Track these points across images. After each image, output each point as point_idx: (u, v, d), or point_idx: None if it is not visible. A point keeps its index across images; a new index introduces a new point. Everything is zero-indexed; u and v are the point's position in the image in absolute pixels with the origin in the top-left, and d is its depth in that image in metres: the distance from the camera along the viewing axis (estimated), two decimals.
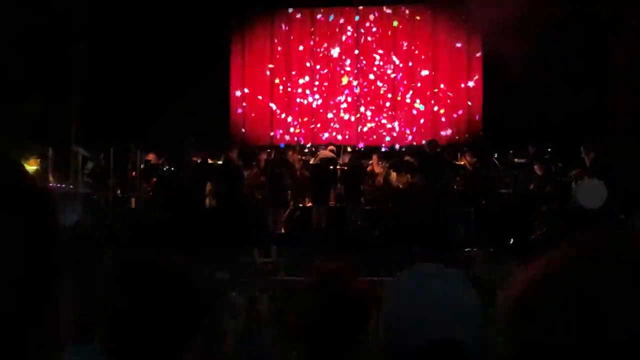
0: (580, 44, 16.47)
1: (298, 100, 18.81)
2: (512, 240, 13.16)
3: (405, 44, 18.62)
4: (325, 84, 18.76)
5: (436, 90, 18.53)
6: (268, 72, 18.94)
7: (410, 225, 14.02)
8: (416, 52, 18.60)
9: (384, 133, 18.52)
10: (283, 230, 14.45)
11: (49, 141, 14.95)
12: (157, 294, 1.77)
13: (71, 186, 14.18)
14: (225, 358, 4.63)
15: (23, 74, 15.44)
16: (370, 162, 15.55)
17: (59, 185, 14.29)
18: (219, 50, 18.45)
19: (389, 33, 18.66)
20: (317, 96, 18.77)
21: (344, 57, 18.70)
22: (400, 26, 18.60)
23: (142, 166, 15.08)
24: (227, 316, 4.94)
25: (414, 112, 18.57)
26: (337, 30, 18.70)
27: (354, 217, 14.45)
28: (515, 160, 15.13)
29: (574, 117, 15.92)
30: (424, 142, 15.69)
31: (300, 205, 15.27)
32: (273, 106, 18.79)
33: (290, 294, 4.51)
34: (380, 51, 18.69)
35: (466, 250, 12.53)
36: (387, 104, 18.58)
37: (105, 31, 16.81)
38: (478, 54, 18.38)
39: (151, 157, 15.12)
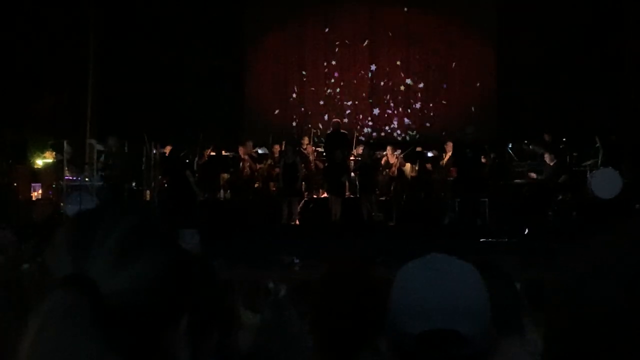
0: (592, 33, 16.42)
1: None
2: (526, 231, 13.12)
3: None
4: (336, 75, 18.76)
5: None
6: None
7: (426, 214, 14.05)
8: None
9: (397, 130, 18.49)
10: (297, 222, 14.44)
11: (64, 135, 15.02)
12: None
13: (86, 179, 14.24)
14: (241, 351, 4.65)
15: (38, 68, 15.52)
16: (384, 153, 15.54)
17: (73, 177, 14.36)
18: (234, 43, 18.44)
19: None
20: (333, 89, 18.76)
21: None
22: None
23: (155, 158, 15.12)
24: (244, 308, 4.97)
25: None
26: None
27: (368, 208, 14.44)
28: (530, 147, 14.97)
29: (588, 107, 15.87)
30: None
31: (315, 196, 15.27)
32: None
33: (305, 286, 4.52)
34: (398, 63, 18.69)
35: (481, 240, 12.52)
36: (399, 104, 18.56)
37: (120, 26, 16.88)
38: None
39: (168, 150, 15.16)
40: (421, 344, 1.46)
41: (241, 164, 15.30)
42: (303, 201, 14.82)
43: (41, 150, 15.11)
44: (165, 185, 14.90)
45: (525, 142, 15.00)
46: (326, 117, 18.23)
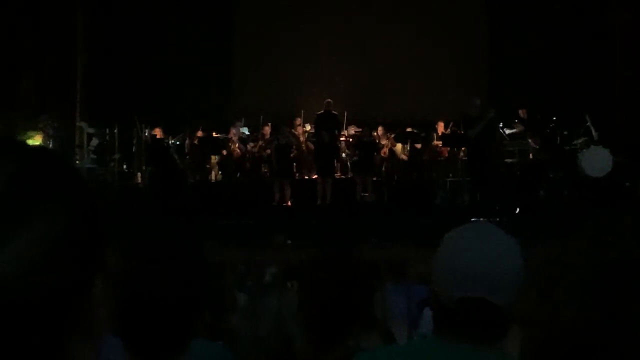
0: (580, 9, 16.42)
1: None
2: (518, 210, 13.13)
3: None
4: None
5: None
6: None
7: (418, 195, 14.05)
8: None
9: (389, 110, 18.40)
10: (289, 203, 14.43)
11: (54, 117, 14.94)
12: (166, 269, 1.76)
13: (77, 162, 14.18)
14: (234, 330, 4.66)
15: (27, 48, 15.40)
16: (375, 133, 15.51)
17: None
18: (223, 22, 18.36)
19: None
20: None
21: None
22: None
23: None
24: (236, 290, 4.97)
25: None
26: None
27: (363, 188, 14.43)
28: (506, 131, 14.73)
29: (578, 85, 15.86)
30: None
31: (306, 177, 15.24)
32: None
33: (296, 268, 4.53)
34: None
35: (472, 219, 12.52)
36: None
37: (109, 5, 16.77)
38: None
39: (157, 132, 15.09)
40: (459, 309, 1.63)
41: (231, 146, 15.27)
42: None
43: (30, 133, 15.03)
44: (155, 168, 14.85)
45: (516, 121, 14.85)
46: (318, 97, 18.15)
